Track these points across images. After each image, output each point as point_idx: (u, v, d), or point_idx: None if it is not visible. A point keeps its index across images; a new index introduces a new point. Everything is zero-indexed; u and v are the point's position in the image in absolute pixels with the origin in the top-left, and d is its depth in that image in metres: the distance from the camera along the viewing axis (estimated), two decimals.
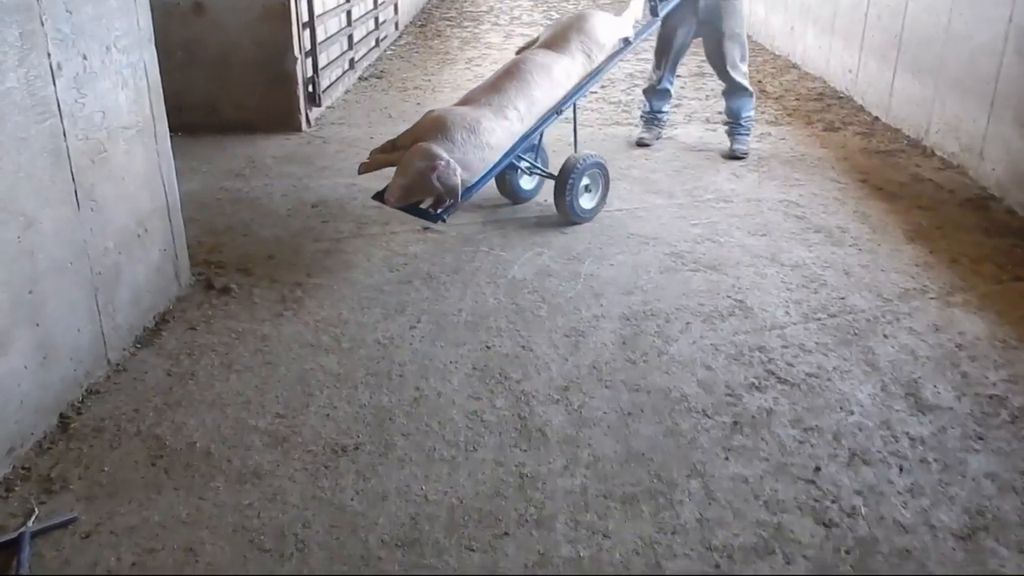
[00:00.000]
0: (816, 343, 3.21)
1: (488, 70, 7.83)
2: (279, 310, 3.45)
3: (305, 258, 3.93)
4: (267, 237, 4.17)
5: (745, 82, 5.20)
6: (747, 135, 5.32)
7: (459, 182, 3.57)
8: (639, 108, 6.43)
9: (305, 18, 5.84)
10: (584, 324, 3.35)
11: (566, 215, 4.28)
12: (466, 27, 10.59)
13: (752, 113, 5.35)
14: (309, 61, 5.96)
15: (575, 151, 4.50)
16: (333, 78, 6.71)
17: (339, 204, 4.58)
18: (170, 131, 5.96)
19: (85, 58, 2.81)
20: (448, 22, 11.01)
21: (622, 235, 4.20)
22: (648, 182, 4.95)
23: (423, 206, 3.75)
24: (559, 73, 4.11)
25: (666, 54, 5.26)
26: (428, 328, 3.31)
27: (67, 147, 2.72)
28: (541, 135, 4.23)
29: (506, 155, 3.92)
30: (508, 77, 4.02)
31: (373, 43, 8.27)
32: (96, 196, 2.89)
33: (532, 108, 3.97)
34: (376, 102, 6.83)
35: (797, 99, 6.81)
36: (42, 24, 2.57)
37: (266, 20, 5.63)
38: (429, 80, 7.63)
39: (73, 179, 2.75)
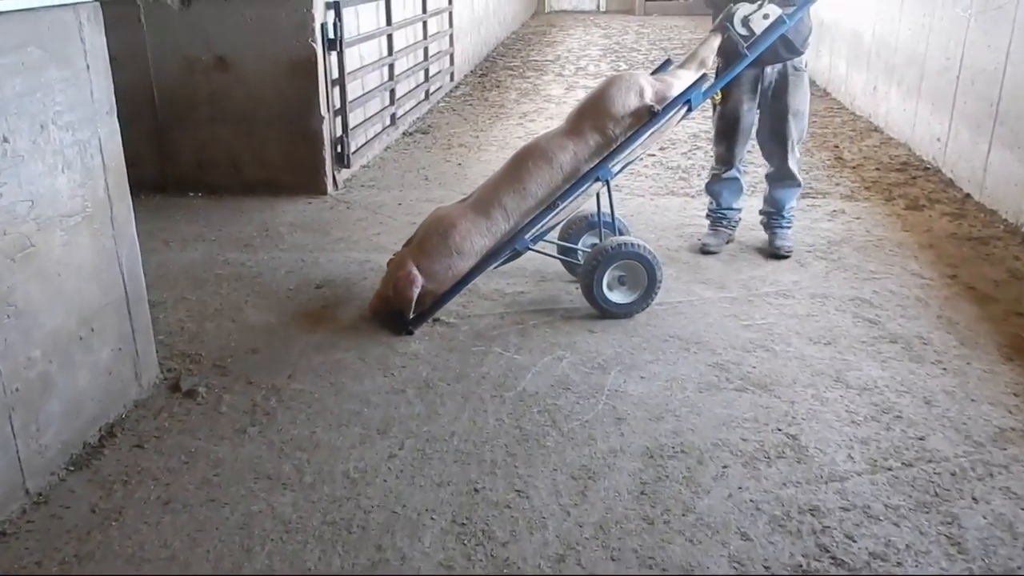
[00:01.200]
0: (885, 505, 2.58)
1: (543, 126, 7.37)
2: (245, 424, 2.97)
3: (292, 354, 3.46)
4: (257, 324, 3.72)
5: (797, 169, 4.52)
6: (790, 228, 4.60)
7: (413, 295, 3.49)
8: (698, 175, 5.87)
9: (335, 74, 5.45)
10: (598, 461, 2.78)
11: (594, 307, 3.77)
12: (528, 77, 10.18)
13: (795, 203, 4.64)
14: (339, 120, 5.56)
15: (612, 232, 3.96)
16: (370, 135, 6.33)
17: (346, 285, 4.11)
18: (189, 192, 5.75)
19: (5, 140, 2.39)
20: (510, 72, 10.63)
21: (659, 337, 3.62)
22: (698, 268, 4.36)
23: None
24: (564, 158, 3.64)
25: (731, 136, 4.45)
26: (410, 458, 2.79)
27: None
28: (612, 211, 3.91)
29: (489, 258, 3.64)
30: (507, 168, 3.71)
31: (422, 96, 7.88)
32: (15, 300, 2.46)
33: (523, 203, 3.61)
34: (415, 161, 6.40)
35: (877, 169, 6.15)
36: None
37: (292, 76, 5.27)
38: (477, 137, 7.19)
39: None
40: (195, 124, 5.41)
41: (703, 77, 3.82)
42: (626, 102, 3.68)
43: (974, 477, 2.71)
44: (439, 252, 3.57)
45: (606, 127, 3.68)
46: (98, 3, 2.78)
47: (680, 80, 3.84)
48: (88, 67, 2.74)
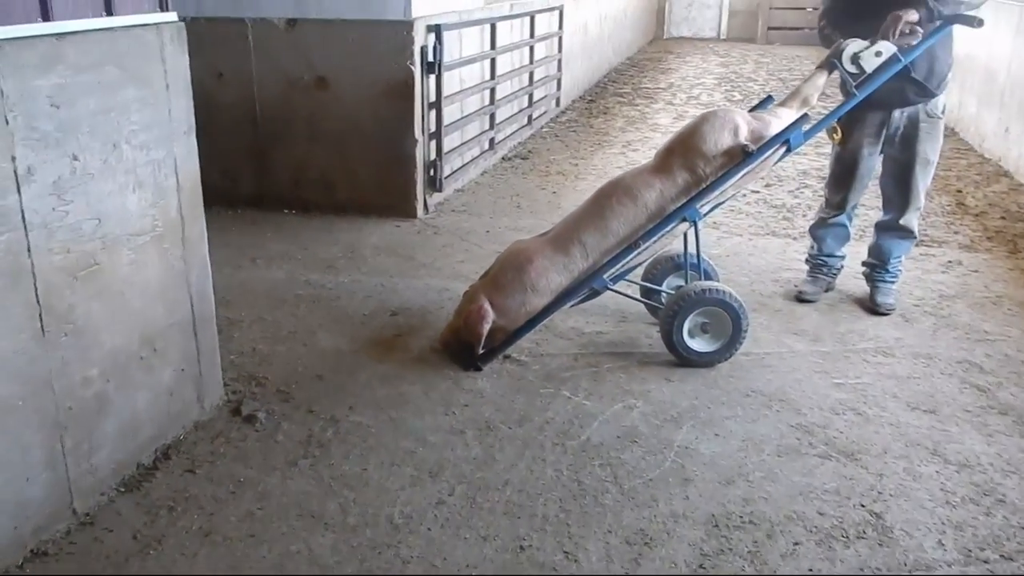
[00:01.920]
0: None
1: (645, 155, 7.20)
2: (298, 456, 2.91)
3: (357, 384, 3.40)
4: (327, 349, 3.68)
5: (916, 224, 4.19)
6: (894, 283, 4.25)
7: (483, 330, 3.40)
8: (804, 216, 5.59)
9: (432, 98, 5.42)
10: (657, 526, 2.60)
11: (673, 354, 3.59)
12: (637, 105, 10.02)
13: (904, 257, 4.29)
14: (433, 143, 5.53)
15: (699, 275, 3.77)
16: (467, 159, 6.29)
17: (422, 314, 4.05)
18: (283, 209, 5.83)
19: (75, 158, 2.40)
20: (619, 98, 10.48)
21: (740, 391, 3.41)
22: (792, 317, 4.12)
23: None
24: (650, 197, 3.48)
25: (847, 182, 4.14)
26: (458, 506, 2.67)
27: (32, 264, 2.30)
28: (699, 253, 3.71)
29: (564, 296, 3.50)
30: (589, 203, 3.57)
31: (524, 120, 7.82)
32: (75, 318, 2.46)
33: (604, 241, 3.47)
34: (510, 187, 6.34)
35: (1003, 217, 5.73)
36: (6, 123, 2.17)
37: (388, 98, 5.27)
38: (576, 165, 7.08)
39: (38, 301, 2.33)
40: (293, 142, 5.47)
41: (804, 117, 3.59)
42: (719, 140, 3.49)
43: None
44: (513, 287, 3.46)
45: (696, 165, 3.50)
46: (182, 23, 2.78)
47: (779, 119, 3.63)
48: (168, 87, 2.74)
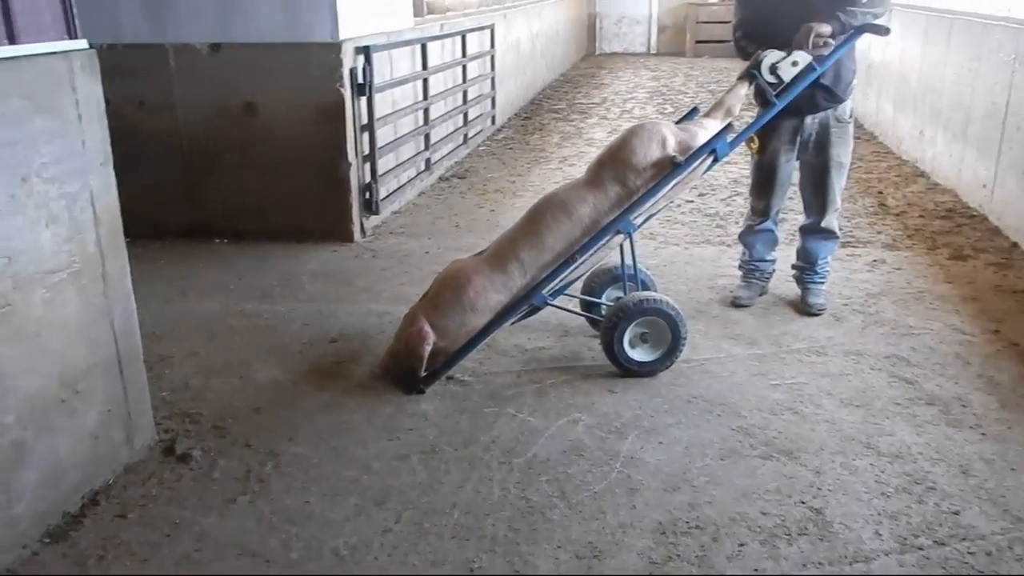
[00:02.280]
0: None
1: (582, 171, 7.18)
2: (236, 492, 2.80)
3: (297, 414, 3.30)
4: (264, 381, 3.57)
5: (837, 225, 4.25)
6: (823, 284, 4.31)
7: (424, 352, 3.33)
8: (736, 223, 5.63)
9: (364, 120, 5.35)
10: (605, 538, 2.55)
11: (615, 365, 3.57)
12: (572, 121, 10.05)
13: (831, 258, 4.34)
14: (367, 166, 5.45)
15: (637, 286, 3.76)
16: (403, 180, 6.21)
17: (362, 339, 3.96)
18: (215, 239, 5.68)
19: None
20: (555, 115, 10.51)
21: (682, 398, 3.39)
22: (728, 323, 4.12)
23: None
24: (584, 211, 3.46)
25: (768, 188, 4.18)
26: (406, 533, 2.59)
27: None
28: (635, 265, 3.73)
29: (505, 314, 3.46)
30: (525, 220, 3.55)
31: (460, 140, 7.78)
32: None
33: (540, 257, 3.44)
34: (448, 207, 6.28)
35: (922, 216, 5.85)
36: None
37: (320, 122, 5.18)
38: (514, 182, 7.05)
39: None
40: (223, 170, 5.34)
41: (728, 127, 3.61)
42: (648, 152, 3.49)
43: (1012, 557, 2.45)
44: (452, 308, 3.39)
45: (627, 178, 3.49)
46: (93, 51, 2.67)
47: (705, 130, 3.64)
48: (80, 117, 2.63)
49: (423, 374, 3.42)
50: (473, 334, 3.44)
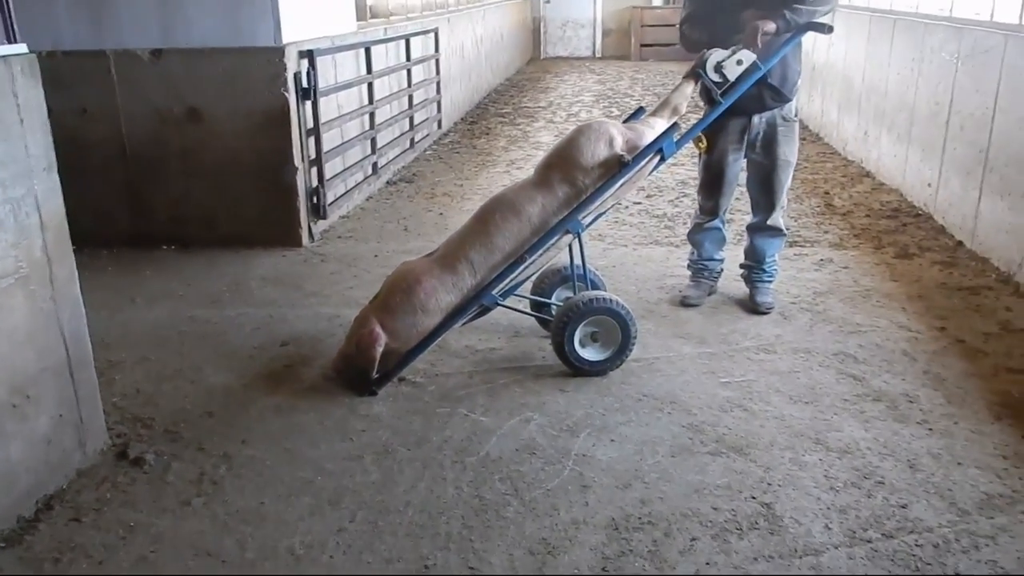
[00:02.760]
0: None
1: (530, 173, 7.30)
2: (190, 495, 2.84)
3: (249, 417, 3.34)
4: (216, 386, 3.60)
5: (783, 222, 4.41)
6: (771, 283, 4.46)
7: (376, 354, 3.40)
8: (684, 223, 5.78)
9: (310, 124, 5.39)
10: (559, 534, 2.65)
11: (566, 365, 3.67)
12: (518, 124, 10.17)
13: (778, 256, 4.49)
14: (314, 171, 5.49)
15: (587, 286, 3.86)
16: (350, 185, 6.26)
17: (312, 343, 4.00)
18: (162, 246, 5.67)
19: None
20: (501, 119, 10.62)
21: (633, 397, 3.50)
22: (677, 322, 4.25)
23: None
24: (532, 211, 3.56)
25: (716, 187, 4.31)
26: (360, 532, 2.65)
27: None
28: (584, 265, 3.83)
29: (456, 315, 3.54)
30: (474, 221, 3.63)
31: (407, 144, 7.84)
32: None
33: (490, 257, 3.52)
34: (396, 211, 6.34)
35: (868, 215, 6.06)
36: None
37: (266, 128, 5.21)
38: (461, 186, 7.13)
39: None
40: (168, 177, 5.34)
41: (675, 126, 3.73)
42: (595, 152, 3.59)
43: (958, 549, 2.58)
44: (403, 309, 3.46)
45: (575, 178, 3.59)
46: (33, 55, 2.69)
47: (652, 129, 3.76)
48: (22, 121, 2.65)
49: (375, 376, 3.48)
50: (425, 335, 3.51)
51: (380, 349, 3.42)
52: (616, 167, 3.59)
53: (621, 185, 3.62)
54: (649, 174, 3.84)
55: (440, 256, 3.59)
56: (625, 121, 3.98)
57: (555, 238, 3.56)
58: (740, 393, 3.53)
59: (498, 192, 3.77)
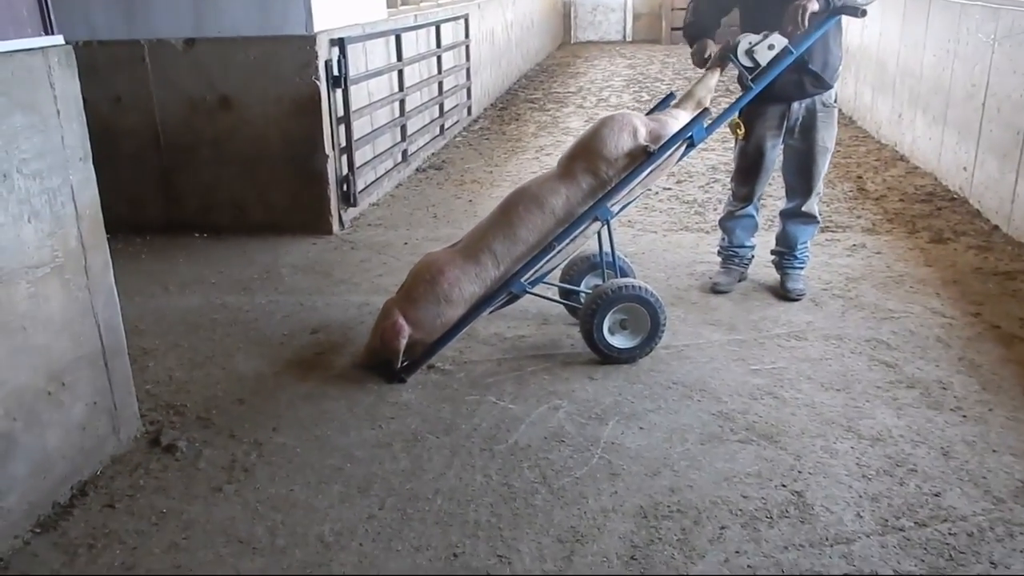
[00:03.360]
0: (895, 571, 2.40)
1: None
2: (222, 481, 2.86)
3: (280, 404, 3.36)
4: (247, 372, 3.63)
5: (818, 208, 4.35)
6: (803, 269, 4.40)
7: (400, 346, 3.41)
8: (714, 210, 5.72)
9: (340, 112, 5.40)
10: (587, 522, 2.63)
11: (595, 352, 3.65)
12: (548, 110, 10.12)
13: (810, 242, 4.44)
14: (344, 158, 5.50)
15: (616, 273, 3.84)
16: (380, 172, 6.26)
17: (343, 330, 4.02)
18: (194, 233, 5.71)
19: None
20: (530, 104, 10.57)
21: (662, 384, 3.47)
22: (707, 309, 4.21)
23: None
24: (556, 203, 3.54)
25: (753, 174, 4.26)
26: (390, 519, 2.66)
27: None
28: (613, 252, 3.81)
29: (483, 304, 3.53)
30: (497, 212, 3.62)
31: (436, 131, 7.83)
32: None
33: (513, 248, 3.52)
34: (426, 198, 6.33)
35: (901, 199, 5.96)
36: None
37: (296, 115, 5.22)
38: (491, 172, 7.11)
39: None
40: (199, 165, 5.38)
41: (705, 111, 3.68)
42: (619, 143, 3.57)
43: (993, 538, 2.53)
44: (426, 300, 3.46)
45: (599, 169, 3.57)
46: (70, 47, 2.71)
47: (676, 120, 3.72)
48: (59, 112, 2.67)
49: (403, 364, 3.48)
50: (449, 325, 3.51)
51: (404, 341, 3.42)
52: (642, 157, 3.56)
53: (648, 174, 3.59)
54: (677, 161, 3.80)
55: (464, 247, 3.59)
56: (651, 111, 3.95)
57: (584, 226, 3.53)
58: (770, 380, 3.49)
59: (522, 184, 3.75)
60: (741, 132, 4.10)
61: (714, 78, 3.85)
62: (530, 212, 3.52)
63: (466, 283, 3.47)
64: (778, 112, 4.10)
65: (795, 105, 4.07)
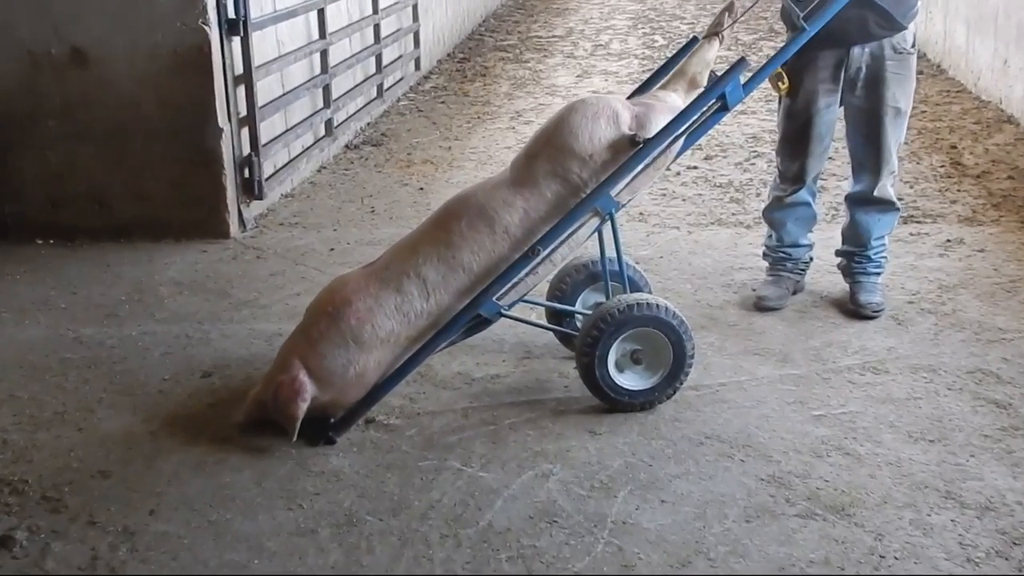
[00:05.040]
0: None
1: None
2: None
3: (159, 477, 3.35)
4: (113, 433, 3.62)
5: (894, 191, 4.39)
6: (879, 274, 4.43)
7: (299, 411, 3.39)
8: (758, 195, 5.76)
9: (239, 69, 5.40)
10: None
11: (597, 396, 3.67)
12: (526, 61, 10.20)
13: (889, 238, 4.48)
14: (245, 132, 5.50)
15: (623, 287, 3.85)
16: (295, 151, 6.28)
17: (246, 371, 4.02)
18: (37, 239, 5.66)
19: None
20: (502, 54, 10.65)
21: (691, 439, 3.49)
22: (751, 333, 4.24)
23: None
24: (510, 219, 3.56)
25: (802, 143, 4.31)
26: None
27: None
28: (620, 257, 3.79)
29: (438, 336, 3.55)
30: (430, 225, 3.68)
31: (373, 93, 7.86)
32: None
33: (451, 276, 3.53)
34: (360, 186, 6.37)
35: (1011, 177, 6.06)
36: None
37: (177, 72, 5.24)
38: (449, 149, 7.17)
39: None
40: (44, 144, 5.37)
41: (742, 61, 3.70)
42: (594, 133, 3.59)
43: None
44: (330, 342, 3.46)
45: (569, 171, 3.59)
46: None
47: (664, 103, 3.77)
48: None
49: (295, 436, 3.44)
50: (365, 375, 3.50)
51: (304, 405, 3.41)
52: (628, 151, 3.58)
53: (639, 172, 3.62)
54: (676, 157, 3.84)
55: (381, 267, 3.59)
56: (633, 94, 4.02)
57: (578, 222, 3.54)
58: (839, 430, 3.52)
59: (464, 190, 3.78)
60: (784, 86, 4.14)
61: (712, 50, 3.92)
62: (475, 230, 3.53)
63: (382, 317, 3.46)
64: (833, 59, 4.16)
65: (855, 50, 4.13)
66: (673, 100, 3.79)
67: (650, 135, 3.59)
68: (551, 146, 3.63)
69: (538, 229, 3.55)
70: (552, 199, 3.57)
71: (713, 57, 3.93)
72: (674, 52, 4.14)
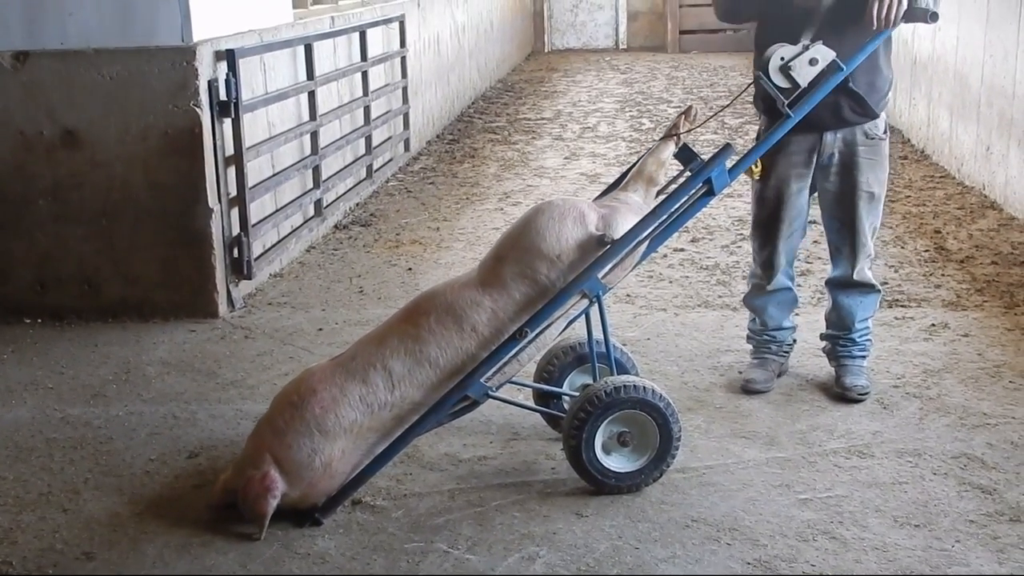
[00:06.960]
0: None
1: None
2: None
3: (145, 558, 3.36)
4: (99, 515, 3.62)
5: (873, 274, 4.45)
6: (864, 358, 4.47)
7: (267, 509, 3.41)
8: (743, 277, 5.81)
9: (230, 150, 5.47)
10: None
11: (584, 478, 3.69)
12: (515, 143, 10.32)
13: (871, 321, 4.51)
14: (235, 213, 5.55)
15: (610, 369, 3.88)
16: (284, 231, 6.32)
17: (233, 452, 4.01)
18: (25, 318, 5.69)
19: None
20: (491, 135, 10.77)
21: (678, 522, 3.51)
22: (737, 415, 4.27)
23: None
24: (478, 319, 3.59)
25: (773, 229, 4.36)
26: None
27: None
28: (607, 339, 3.83)
29: (422, 422, 3.58)
30: (399, 318, 3.73)
31: (363, 174, 7.93)
32: None
33: (417, 370, 3.56)
34: (349, 266, 6.42)
35: (994, 262, 6.12)
36: None
37: (168, 154, 5.30)
38: (438, 229, 7.22)
39: None
40: (33, 224, 5.41)
41: (727, 147, 3.80)
42: (561, 235, 3.65)
43: None
44: (295, 431, 3.47)
45: (537, 272, 3.64)
46: None
47: (627, 204, 3.85)
48: None
49: (262, 536, 3.44)
50: (331, 464, 3.50)
51: (275, 502, 3.42)
52: (595, 251, 3.64)
53: (609, 271, 3.68)
54: (640, 261, 3.92)
55: (347, 358, 3.64)
56: (600, 196, 4.10)
57: (565, 305, 3.58)
58: (826, 514, 3.53)
59: (433, 287, 3.84)
60: (757, 170, 4.17)
61: (667, 150, 3.98)
62: (444, 326, 3.58)
63: (345, 408, 3.48)
64: (806, 145, 4.22)
65: (828, 136, 4.20)
66: (635, 200, 3.87)
67: (617, 235, 3.65)
68: (518, 248, 3.70)
69: (506, 329, 3.59)
70: (520, 300, 3.62)
71: (668, 158, 3.99)
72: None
